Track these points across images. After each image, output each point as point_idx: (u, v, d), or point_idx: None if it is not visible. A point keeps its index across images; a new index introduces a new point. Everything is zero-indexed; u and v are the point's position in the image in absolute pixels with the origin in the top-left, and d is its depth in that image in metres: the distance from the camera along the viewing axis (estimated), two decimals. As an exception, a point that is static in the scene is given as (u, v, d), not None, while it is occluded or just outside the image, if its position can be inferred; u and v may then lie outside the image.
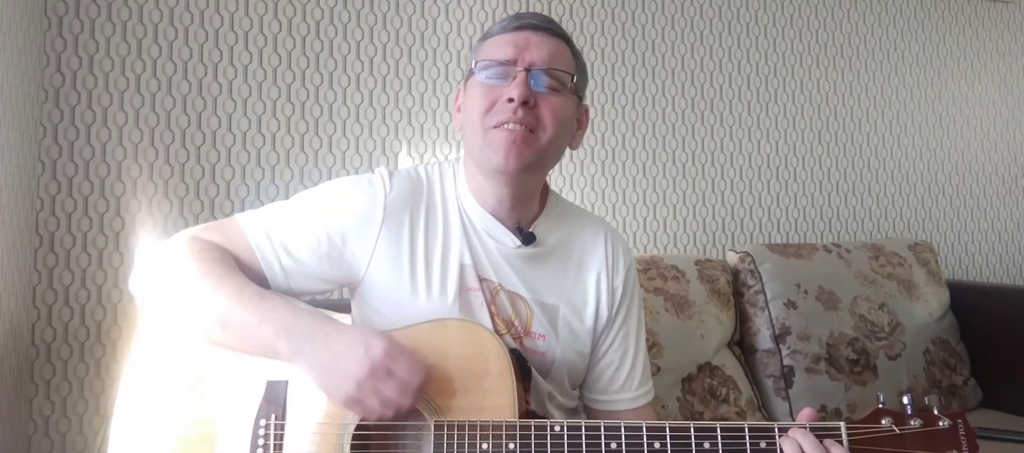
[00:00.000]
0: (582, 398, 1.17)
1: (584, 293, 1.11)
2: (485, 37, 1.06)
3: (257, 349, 0.92)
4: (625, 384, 1.13)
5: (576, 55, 1.06)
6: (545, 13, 2.00)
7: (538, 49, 1.00)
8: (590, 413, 1.16)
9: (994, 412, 1.98)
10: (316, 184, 1.11)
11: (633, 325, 1.15)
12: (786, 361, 1.86)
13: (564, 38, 1.05)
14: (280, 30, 1.77)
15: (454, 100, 1.12)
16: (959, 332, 2.08)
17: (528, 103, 0.98)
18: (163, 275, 0.97)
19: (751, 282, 1.93)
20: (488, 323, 1.04)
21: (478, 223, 1.07)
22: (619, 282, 1.13)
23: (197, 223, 1.65)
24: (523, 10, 2.00)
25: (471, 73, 1.04)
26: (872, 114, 2.46)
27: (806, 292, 1.92)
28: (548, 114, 1.00)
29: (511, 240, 1.07)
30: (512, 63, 0.99)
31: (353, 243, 1.03)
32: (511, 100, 0.97)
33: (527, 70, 0.99)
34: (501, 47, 1.01)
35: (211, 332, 0.94)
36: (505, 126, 0.98)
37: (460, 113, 1.08)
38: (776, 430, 0.90)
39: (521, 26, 1.03)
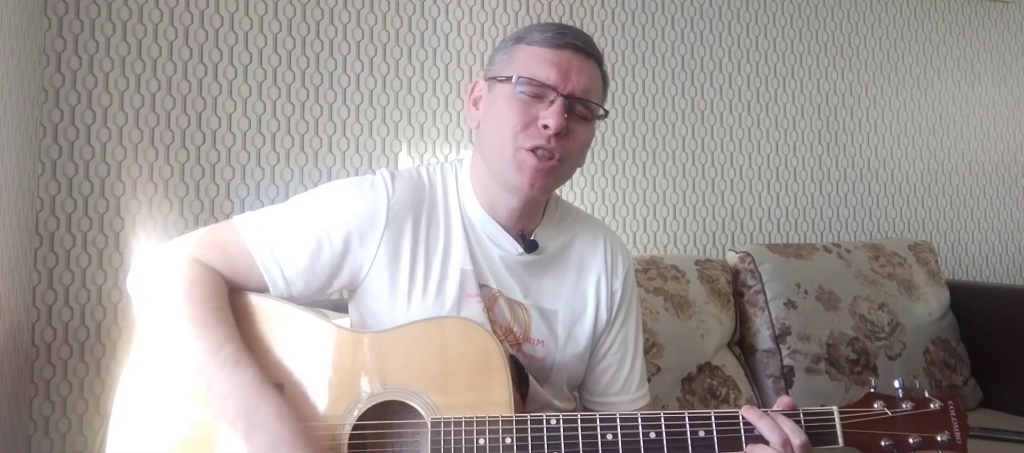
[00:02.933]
0: (581, 400, 1.17)
1: (584, 297, 1.12)
2: (523, 41, 1.02)
3: (217, 413, 0.92)
4: (624, 386, 1.14)
5: (605, 79, 1.06)
6: (546, 14, 2.02)
7: (579, 76, 0.99)
8: (589, 414, 1.16)
9: (994, 412, 1.98)
10: (316, 184, 1.10)
11: (632, 328, 1.16)
12: (786, 361, 1.86)
13: (599, 61, 1.04)
14: (280, 30, 1.77)
15: (469, 91, 1.09)
16: (959, 332, 2.08)
17: (560, 133, 0.98)
18: (153, 299, 0.97)
19: (751, 282, 1.93)
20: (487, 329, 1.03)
21: (480, 228, 1.07)
22: (618, 285, 1.14)
23: (197, 223, 1.67)
24: (523, 10, 2.00)
25: (506, 79, 1.00)
26: (872, 114, 2.46)
27: (806, 292, 1.92)
28: (574, 143, 1.01)
29: (513, 247, 1.07)
30: (553, 87, 0.98)
31: (355, 248, 1.02)
32: (546, 127, 0.97)
33: (566, 98, 0.98)
34: (543, 65, 0.99)
35: (186, 368, 0.95)
36: (536, 152, 0.98)
37: (477, 110, 1.06)
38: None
39: (565, 45, 1.00)
